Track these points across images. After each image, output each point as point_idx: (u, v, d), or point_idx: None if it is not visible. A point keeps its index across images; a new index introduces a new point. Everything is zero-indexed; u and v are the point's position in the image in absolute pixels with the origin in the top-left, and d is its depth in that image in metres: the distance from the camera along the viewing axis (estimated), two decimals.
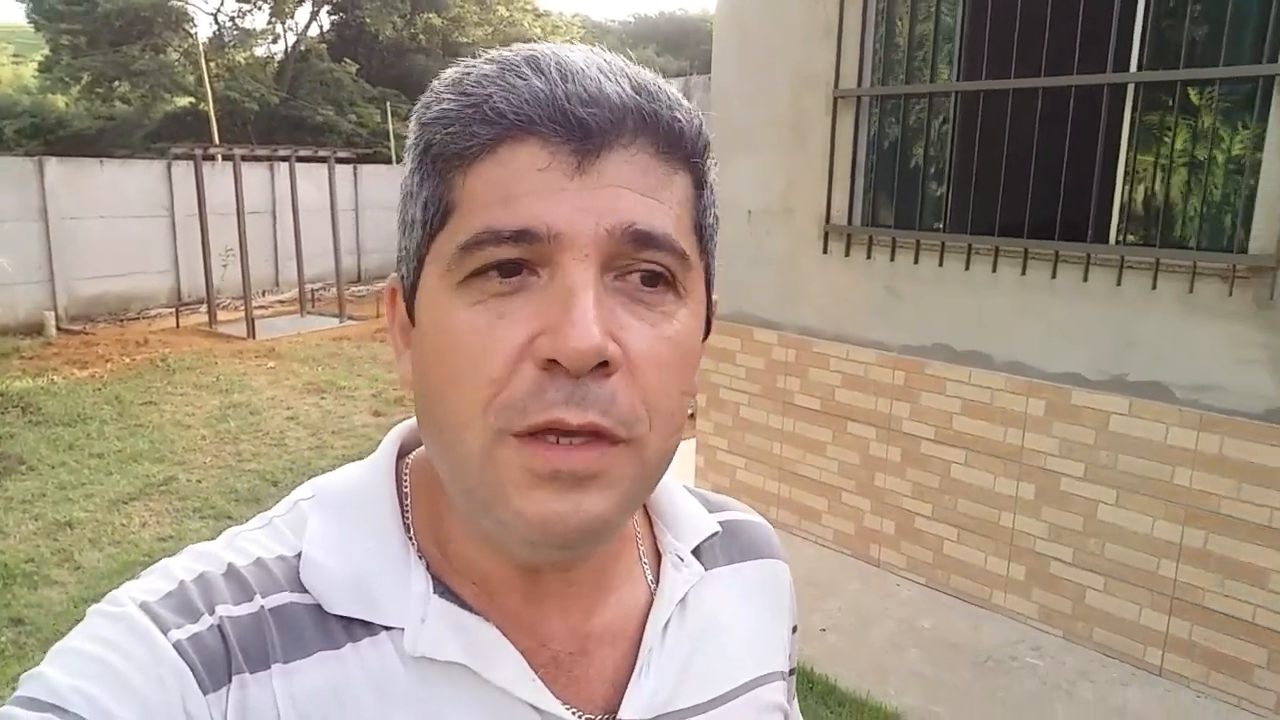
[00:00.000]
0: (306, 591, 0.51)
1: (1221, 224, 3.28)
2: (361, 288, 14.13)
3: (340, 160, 12.91)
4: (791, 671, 0.70)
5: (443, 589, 0.52)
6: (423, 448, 0.58)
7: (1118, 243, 3.44)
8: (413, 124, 0.50)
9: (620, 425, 0.45)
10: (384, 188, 15.00)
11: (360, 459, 0.59)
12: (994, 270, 3.69)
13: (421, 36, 23.78)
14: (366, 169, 15.21)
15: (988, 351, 3.75)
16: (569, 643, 0.55)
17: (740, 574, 0.66)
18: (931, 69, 3.97)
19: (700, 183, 0.51)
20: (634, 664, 0.56)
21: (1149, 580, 3.37)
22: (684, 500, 0.66)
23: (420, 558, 0.53)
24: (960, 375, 3.83)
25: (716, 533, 0.66)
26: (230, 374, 8.45)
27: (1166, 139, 3.39)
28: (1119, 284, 3.37)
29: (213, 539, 0.55)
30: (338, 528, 0.54)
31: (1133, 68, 3.34)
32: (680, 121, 0.48)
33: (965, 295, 3.82)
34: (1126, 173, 3.41)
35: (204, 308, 11.21)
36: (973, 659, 3.46)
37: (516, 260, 0.45)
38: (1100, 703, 3.20)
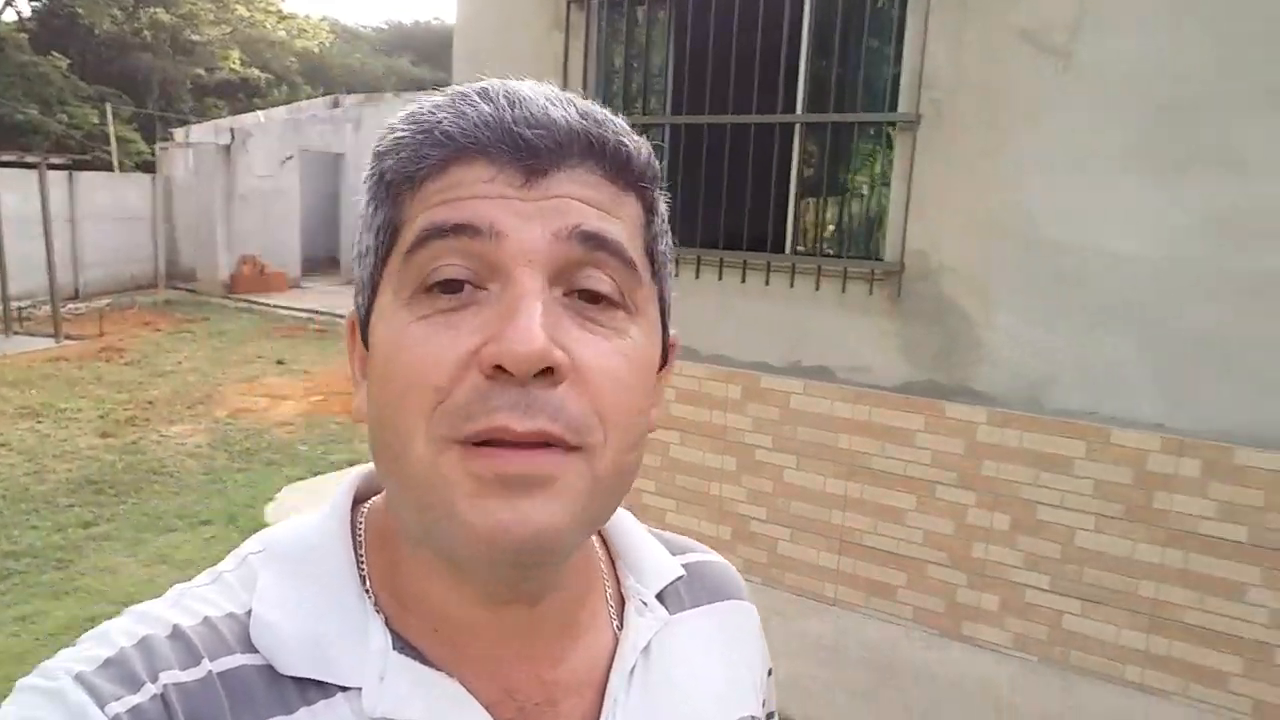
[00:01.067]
0: (257, 652, 0.48)
1: (864, 237, 4.09)
2: (80, 305, 12.95)
3: (53, 166, 11.80)
4: (770, 715, 0.69)
5: (402, 644, 0.51)
6: (379, 496, 0.57)
7: (792, 253, 4.17)
8: (370, 159, 0.51)
9: (570, 432, 0.44)
10: (105, 197, 13.82)
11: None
12: (697, 277, 4.33)
13: (147, 33, 21.94)
14: (84, 176, 13.95)
15: (695, 346, 4.37)
16: (536, 693, 0.53)
17: (706, 618, 0.65)
18: (644, 102, 4.55)
19: (651, 209, 0.52)
20: (599, 715, 0.55)
21: (823, 529, 4.11)
22: (646, 543, 0.64)
23: (378, 611, 0.51)
24: (675, 368, 4.41)
25: (681, 576, 0.65)
26: None
27: (824, 168, 4.16)
28: (793, 286, 4.10)
29: None
30: (289, 583, 0.51)
31: (798, 110, 4.08)
32: (627, 147, 0.49)
33: (676, 299, 4.41)
34: (797, 195, 4.15)
35: None
36: None
37: (460, 273, 0.46)
38: (786, 630, 3.88)
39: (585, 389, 0.45)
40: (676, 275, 3.71)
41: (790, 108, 4.09)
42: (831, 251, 4.19)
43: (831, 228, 4.25)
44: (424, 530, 0.47)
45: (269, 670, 0.48)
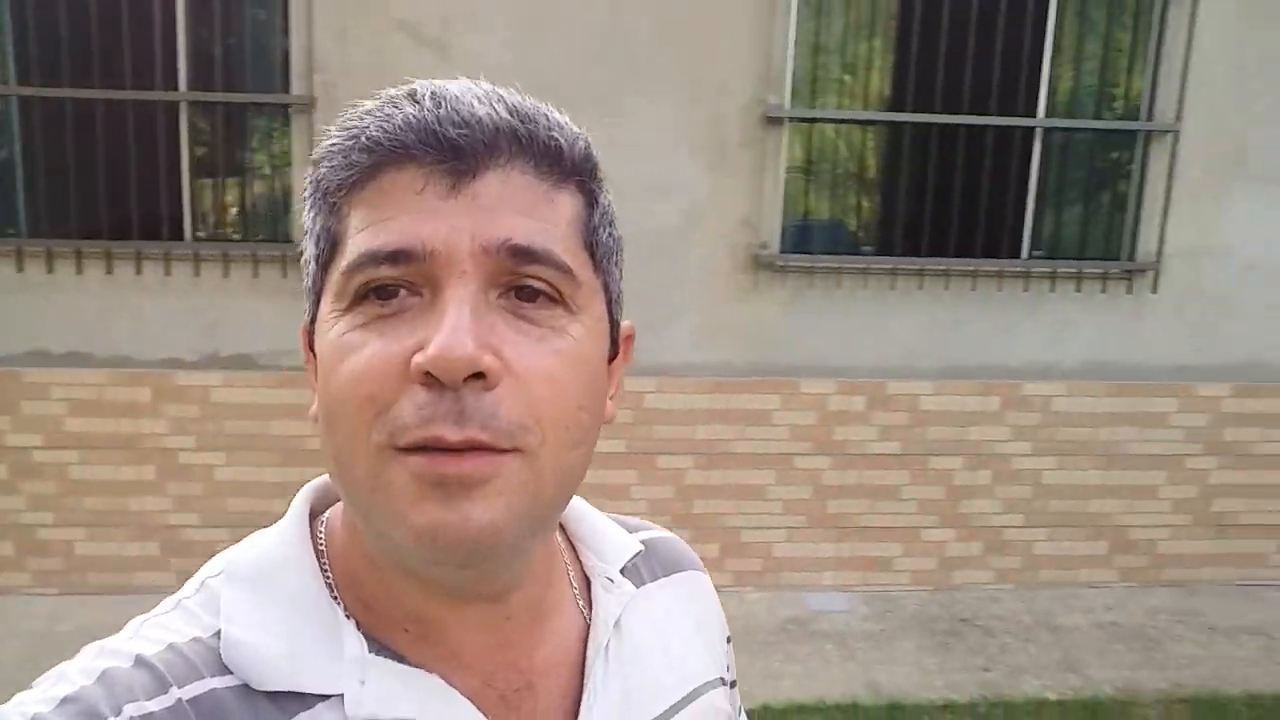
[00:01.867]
0: (230, 673, 0.47)
1: (269, 220, 4.02)
2: None
3: None
4: (733, 684, 0.71)
5: (378, 646, 0.50)
6: (336, 505, 0.57)
7: (194, 239, 3.90)
8: (309, 166, 0.51)
9: (503, 437, 0.45)
10: None
11: None
12: (79, 271, 3.79)
13: None
14: None
15: (87, 350, 3.84)
16: (514, 679, 0.54)
17: (666, 588, 0.67)
18: None
19: (591, 202, 0.52)
20: (579, 692, 0.56)
21: (260, 521, 3.96)
22: (602, 523, 0.66)
23: (349, 617, 0.51)
24: (63, 378, 3.83)
25: (640, 551, 0.66)
26: None
27: (220, 149, 3.97)
28: (198, 275, 3.85)
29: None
30: (257, 600, 0.50)
31: (181, 86, 3.81)
32: (559, 141, 0.49)
33: (55, 299, 3.82)
34: (192, 178, 3.88)
35: None
36: None
37: (395, 282, 0.46)
38: None
39: (521, 391, 0.46)
40: (51, 271, 3.28)
41: (172, 84, 3.80)
42: (238, 236, 4.01)
43: (235, 210, 4.07)
44: (373, 534, 0.49)
45: (244, 690, 0.47)
